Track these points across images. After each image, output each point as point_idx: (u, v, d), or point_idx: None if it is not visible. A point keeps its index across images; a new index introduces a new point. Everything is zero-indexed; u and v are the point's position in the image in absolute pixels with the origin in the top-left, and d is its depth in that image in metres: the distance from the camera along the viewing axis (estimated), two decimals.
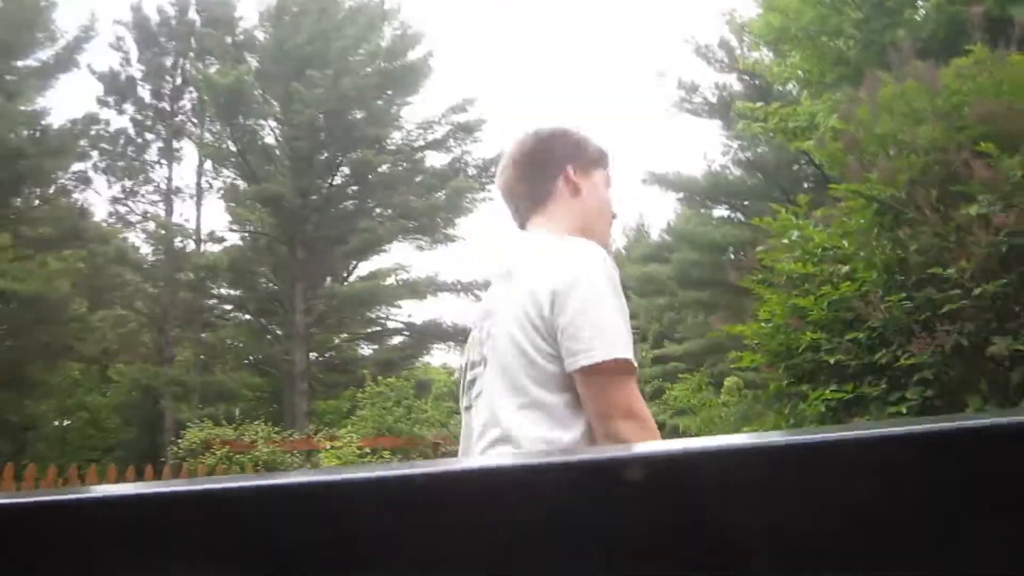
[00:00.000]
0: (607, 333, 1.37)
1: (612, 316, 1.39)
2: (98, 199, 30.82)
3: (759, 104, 10.54)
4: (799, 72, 10.67)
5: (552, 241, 1.55)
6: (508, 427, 1.44)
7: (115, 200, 23.89)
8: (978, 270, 4.77)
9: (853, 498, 0.49)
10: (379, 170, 23.53)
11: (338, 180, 23.72)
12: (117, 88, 23.55)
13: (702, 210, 21.85)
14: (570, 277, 1.41)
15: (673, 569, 0.54)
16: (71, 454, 17.73)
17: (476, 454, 1.50)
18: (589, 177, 1.66)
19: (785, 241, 6.40)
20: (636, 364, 1.41)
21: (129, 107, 23.71)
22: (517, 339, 1.44)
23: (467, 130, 24.39)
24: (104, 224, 23.02)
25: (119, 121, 23.58)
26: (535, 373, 1.42)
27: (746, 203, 19.74)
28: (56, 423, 20.55)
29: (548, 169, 1.65)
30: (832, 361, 5.46)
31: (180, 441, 13.51)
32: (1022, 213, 4.60)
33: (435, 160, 25.01)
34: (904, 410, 4.98)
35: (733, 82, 20.22)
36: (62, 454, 17.67)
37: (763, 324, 6.31)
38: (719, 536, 0.55)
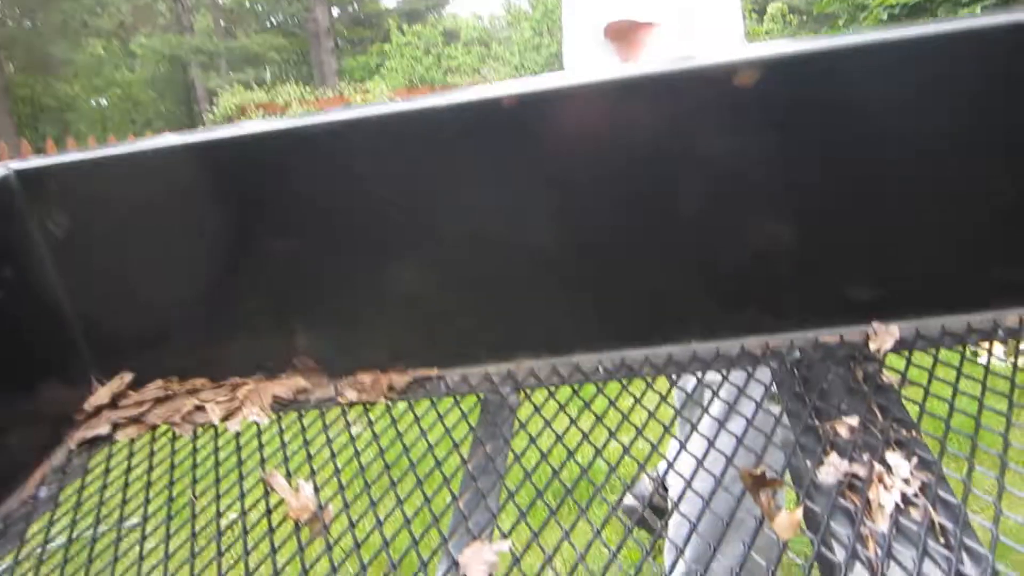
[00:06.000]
0: None
1: None
2: None
3: None
4: None
5: None
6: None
7: None
8: None
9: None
10: None
11: None
12: None
13: None
14: None
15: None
16: (112, 130, 17.96)
17: None
18: None
19: None
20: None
21: None
22: None
23: None
24: None
25: None
26: None
27: None
28: (92, 102, 20.60)
29: None
30: None
31: (215, 108, 13.51)
32: None
33: None
34: (979, 11, 4.59)
35: None
36: (103, 130, 17.90)
37: None
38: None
